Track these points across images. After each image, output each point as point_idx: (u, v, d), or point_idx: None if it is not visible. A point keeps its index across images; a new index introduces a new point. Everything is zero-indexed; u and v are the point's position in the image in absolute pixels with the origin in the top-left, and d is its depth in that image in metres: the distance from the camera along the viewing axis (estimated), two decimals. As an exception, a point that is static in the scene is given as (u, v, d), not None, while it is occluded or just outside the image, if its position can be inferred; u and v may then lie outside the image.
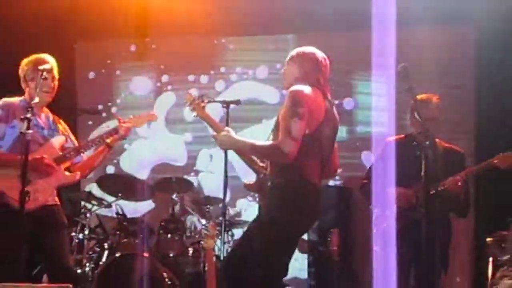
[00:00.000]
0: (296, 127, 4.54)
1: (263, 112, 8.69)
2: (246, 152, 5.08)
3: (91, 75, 9.40)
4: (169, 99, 9.27)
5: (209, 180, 8.65)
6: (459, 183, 5.56)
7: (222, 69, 9.19)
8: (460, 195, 5.66)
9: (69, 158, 5.49)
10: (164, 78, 9.33)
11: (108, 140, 5.51)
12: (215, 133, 5.07)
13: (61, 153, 5.42)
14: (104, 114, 9.14)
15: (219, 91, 9.10)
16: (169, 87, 9.28)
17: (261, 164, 5.07)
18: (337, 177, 8.27)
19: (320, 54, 4.98)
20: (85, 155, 5.69)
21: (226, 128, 4.98)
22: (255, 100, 8.89)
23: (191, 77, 9.22)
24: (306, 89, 4.70)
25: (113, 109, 9.24)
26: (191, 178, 8.66)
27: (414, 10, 7.37)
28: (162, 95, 9.29)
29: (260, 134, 8.04)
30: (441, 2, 7.56)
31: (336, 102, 8.18)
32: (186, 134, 8.95)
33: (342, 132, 7.94)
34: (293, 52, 5.02)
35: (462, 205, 5.82)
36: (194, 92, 8.68)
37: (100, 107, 9.19)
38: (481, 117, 8.00)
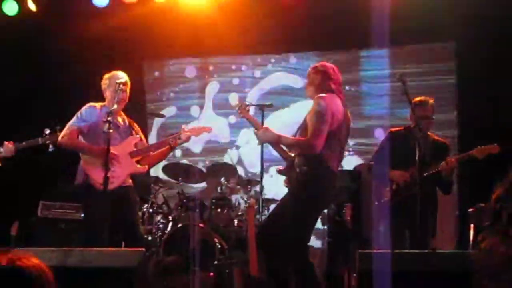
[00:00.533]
0: (322, 127, 4.61)
1: (291, 97, 8.59)
2: (282, 144, 5.12)
3: (156, 74, 9.42)
4: (214, 87, 9.21)
5: (247, 153, 8.64)
6: (453, 165, 5.57)
7: (259, 60, 9.09)
8: (449, 176, 5.65)
9: (141, 154, 5.55)
10: (211, 67, 9.27)
11: (171, 143, 5.55)
12: (255, 130, 5.11)
13: (135, 149, 5.50)
14: (165, 99, 9.29)
15: (257, 77, 9.03)
16: (215, 76, 9.21)
17: (290, 153, 5.10)
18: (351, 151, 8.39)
19: (329, 65, 5.03)
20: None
21: (265, 126, 5.08)
22: (286, 87, 8.80)
23: (233, 66, 9.15)
24: (328, 96, 4.74)
25: (171, 95, 9.29)
26: (233, 151, 8.81)
27: (402, 28, 7.28)
28: (209, 84, 9.22)
29: (288, 115, 8.13)
30: (426, 20, 7.42)
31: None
32: (230, 116, 8.87)
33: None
34: (309, 68, 5.10)
35: (447, 184, 5.82)
36: (235, 80, 8.96)
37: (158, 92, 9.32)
38: (462, 116, 7.88)
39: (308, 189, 4.79)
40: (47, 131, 5.38)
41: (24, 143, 5.48)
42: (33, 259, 1.62)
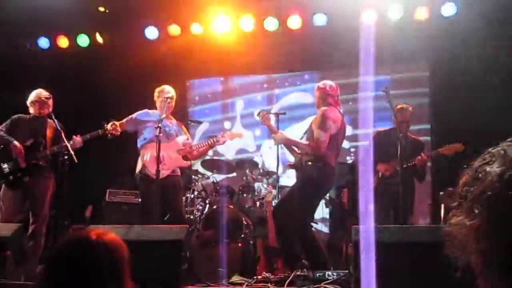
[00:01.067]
0: (325, 133, 4.64)
1: (305, 112, 8.24)
2: (294, 145, 5.14)
3: (195, 95, 9.34)
4: (241, 104, 9.10)
5: (269, 158, 8.48)
6: (425, 160, 5.56)
7: (277, 81, 8.98)
8: (423, 168, 5.63)
9: (186, 152, 5.58)
10: (238, 86, 9.18)
11: (211, 144, 5.64)
12: (273, 134, 5.13)
13: (182, 148, 5.53)
14: (202, 114, 9.15)
15: (276, 93, 8.92)
16: (242, 94, 9.07)
17: (298, 152, 5.11)
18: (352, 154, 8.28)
19: (328, 84, 5.05)
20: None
21: (280, 131, 5.11)
22: (301, 104, 8.65)
23: (257, 86, 9.03)
24: (329, 109, 4.77)
25: (206, 111, 9.18)
26: (258, 158, 8.65)
27: (383, 52, 7.17)
28: (237, 101, 9.10)
29: (304, 127, 8.04)
30: (402, 45, 7.27)
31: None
32: (255, 129, 8.79)
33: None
34: (315, 86, 5.15)
35: (421, 174, 5.78)
36: (259, 98, 8.88)
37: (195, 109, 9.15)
38: (435, 123, 7.81)
39: (311, 179, 4.82)
40: (105, 125, 5.46)
41: (88, 135, 5.52)
42: (112, 234, 1.67)
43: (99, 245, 1.60)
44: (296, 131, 7.63)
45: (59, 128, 5.35)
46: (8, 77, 7.99)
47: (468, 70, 7.07)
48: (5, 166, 5.28)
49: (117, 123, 5.47)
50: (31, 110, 5.59)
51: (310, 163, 4.89)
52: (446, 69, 7.49)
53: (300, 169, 5.09)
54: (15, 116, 5.61)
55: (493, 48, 6.86)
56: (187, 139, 5.79)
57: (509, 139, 0.98)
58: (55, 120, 5.40)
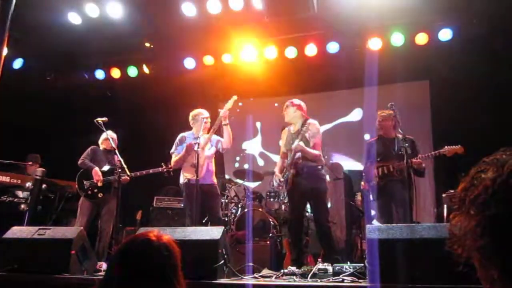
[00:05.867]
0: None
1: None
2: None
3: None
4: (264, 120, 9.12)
5: None
6: (419, 162, 5.30)
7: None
8: (419, 167, 5.32)
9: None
10: (259, 106, 9.10)
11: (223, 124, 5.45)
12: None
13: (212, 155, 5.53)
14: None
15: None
16: (265, 112, 9.02)
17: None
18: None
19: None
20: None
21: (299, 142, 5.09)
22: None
23: (276, 104, 8.72)
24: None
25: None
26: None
27: (387, 70, 7.11)
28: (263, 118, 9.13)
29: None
30: (406, 62, 7.18)
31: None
32: (280, 141, 8.69)
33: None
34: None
35: (419, 172, 5.43)
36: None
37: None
38: (435, 134, 7.68)
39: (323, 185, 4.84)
40: (163, 165, 5.76)
41: (151, 170, 5.90)
42: (167, 235, 1.77)
43: (158, 243, 1.71)
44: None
45: (122, 162, 5.63)
46: (73, 102, 8.25)
47: (464, 87, 6.96)
48: (86, 182, 6.06)
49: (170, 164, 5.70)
50: (103, 146, 6.25)
51: (319, 167, 4.94)
52: (445, 86, 7.36)
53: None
54: (94, 146, 6.26)
55: (485, 66, 6.75)
56: (218, 141, 5.70)
57: (502, 149, 0.98)
58: (118, 155, 5.74)
